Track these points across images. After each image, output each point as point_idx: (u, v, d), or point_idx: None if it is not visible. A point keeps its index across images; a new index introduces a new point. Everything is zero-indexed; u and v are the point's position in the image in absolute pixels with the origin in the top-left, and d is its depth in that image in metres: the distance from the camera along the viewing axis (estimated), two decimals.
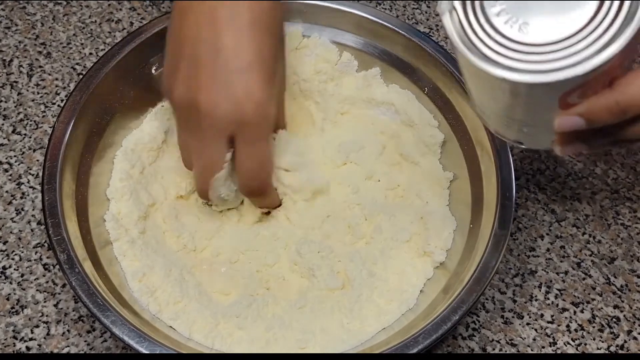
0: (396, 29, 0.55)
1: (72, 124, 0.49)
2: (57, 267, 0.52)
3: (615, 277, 0.54)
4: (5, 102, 0.61)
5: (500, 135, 0.42)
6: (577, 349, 0.50)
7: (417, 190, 0.54)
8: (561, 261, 0.54)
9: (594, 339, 0.51)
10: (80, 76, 0.62)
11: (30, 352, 0.48)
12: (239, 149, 0.45)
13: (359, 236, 0.52)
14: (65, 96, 0.61)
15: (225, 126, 0.44)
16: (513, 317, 0.51)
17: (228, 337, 0.46)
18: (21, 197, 0.55)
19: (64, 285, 0.51)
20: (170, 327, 0.46)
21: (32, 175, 0.57)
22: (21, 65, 0.63)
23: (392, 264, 0.50)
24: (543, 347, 0.50)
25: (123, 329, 0.41)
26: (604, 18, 0.33)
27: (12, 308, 0.50)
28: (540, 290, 0.53)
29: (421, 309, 0.47)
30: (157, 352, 0.41)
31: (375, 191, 0.54)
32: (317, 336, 0.46)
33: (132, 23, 0.67)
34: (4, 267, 0.52)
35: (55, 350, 0.48)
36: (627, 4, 0.32)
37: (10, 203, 0.55)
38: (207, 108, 0.43)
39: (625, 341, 0.51)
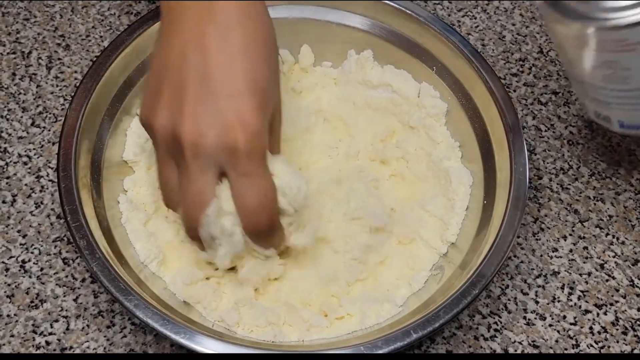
0: (403, 8, 0.56)
1: (82, 111, 0.50)
2: (77, 261, 0.52)
3: (639, 279, 0.53)
4: (25, 94, 0.60)
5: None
6: (600, 351, 0.50)
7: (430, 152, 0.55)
8: (584, 262, 0.54)
9: (617, 342, 0.50)
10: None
11: (49, 347, 0.48)
12: (235, 183, 0.41)
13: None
14: None
15: (213, 155, 0.40)
16: (535, 318, 0.51)
17: (247, 317, 0.46)
18: (40, 191, 0.55)
19: (83, 280, 0.51)
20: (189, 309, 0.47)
21: (52, 168, 0.56)
22: (40, 58, 0.63)
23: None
24: (566, 349, 0.49)
25: (147, 312, 0.42)
26: None
27: (32, 302, 0.50)
28: (563, 292, 0.52)
29: (435, 288, 0.48)
30: (181, 334, 0.41)
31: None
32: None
33: None
34: (23, 261, 0.52)
35: (75, 345, 0.48)
36: None
37: (29, 196, 0.55)
38: (192, 137, 0.39)
39: None
